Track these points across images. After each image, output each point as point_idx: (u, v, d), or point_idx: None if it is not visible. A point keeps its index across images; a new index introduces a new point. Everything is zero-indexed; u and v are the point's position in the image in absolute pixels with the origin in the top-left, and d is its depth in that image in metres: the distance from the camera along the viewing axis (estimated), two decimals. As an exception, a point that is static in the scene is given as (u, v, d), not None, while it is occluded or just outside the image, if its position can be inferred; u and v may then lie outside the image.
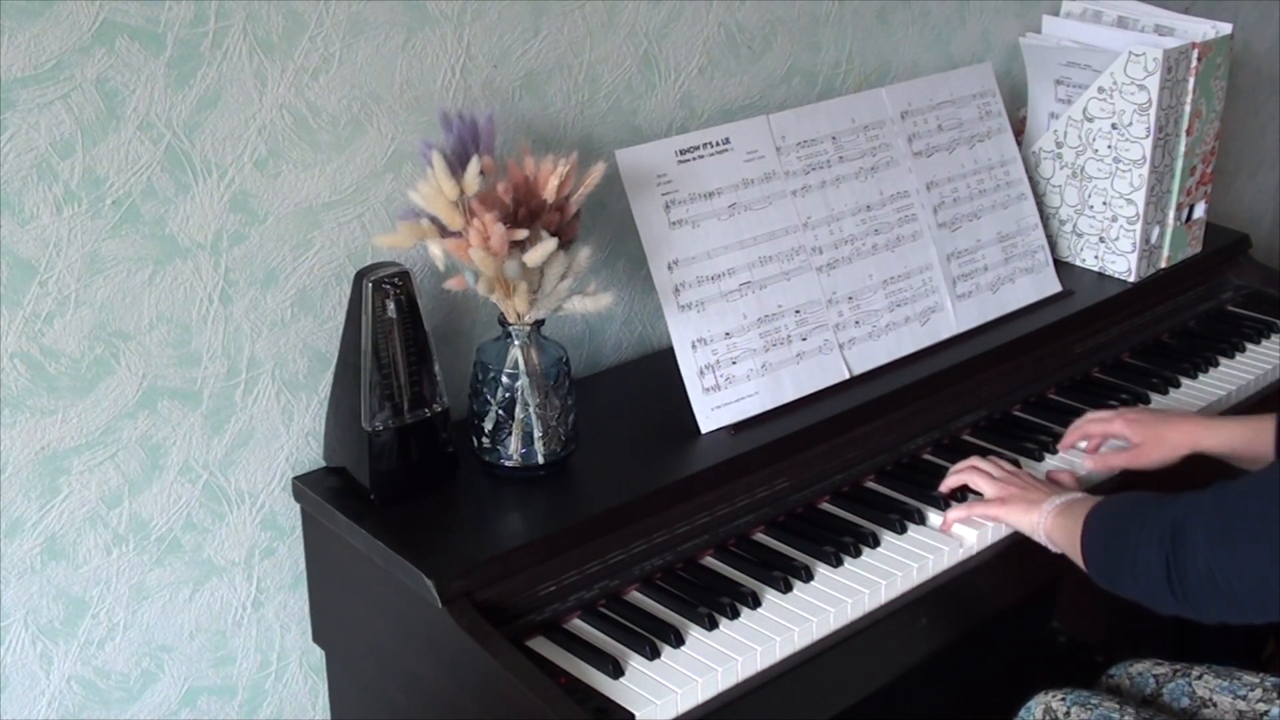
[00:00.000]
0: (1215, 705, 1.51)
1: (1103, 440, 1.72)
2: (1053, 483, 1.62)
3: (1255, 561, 1.24)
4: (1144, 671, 1.58)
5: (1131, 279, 2.03)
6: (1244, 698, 1.50)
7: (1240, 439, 1.60)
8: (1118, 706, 1.47)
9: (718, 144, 1.66)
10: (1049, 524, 1.50)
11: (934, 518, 1.59)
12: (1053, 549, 1.51)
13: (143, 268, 1.38)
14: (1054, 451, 1.73)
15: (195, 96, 1.35)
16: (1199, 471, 1.60)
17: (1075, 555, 1.45)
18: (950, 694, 2.15)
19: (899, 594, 1.49)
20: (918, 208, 1.84)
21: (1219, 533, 1.27)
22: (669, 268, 1.59)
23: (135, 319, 1.39)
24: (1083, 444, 1.73)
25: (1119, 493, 1.47)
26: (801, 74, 1.90)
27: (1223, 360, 2.01)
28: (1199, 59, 1.96)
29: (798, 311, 1.69)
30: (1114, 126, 1.96)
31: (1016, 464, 1.67)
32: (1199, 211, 2.11)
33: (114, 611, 1.47)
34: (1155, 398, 1.88)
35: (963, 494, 1.62)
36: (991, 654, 2.25)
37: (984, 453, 1.68)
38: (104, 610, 1.47)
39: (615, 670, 1.32)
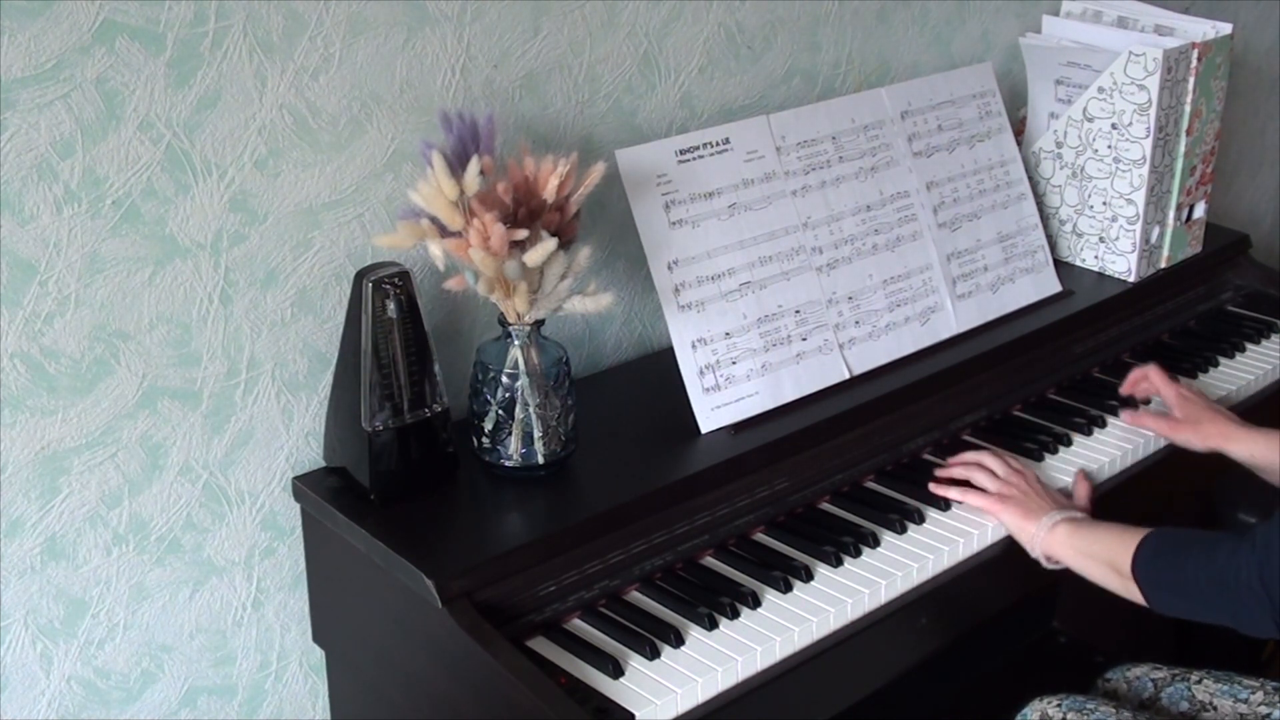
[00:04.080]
0: (1215, 709, 1.51)
1: (1148, 394, 1.81)
2: (1056, 495, 1.61)
3: None
4: (1142, 675, 1.58)
5: (1131, 279, 2.03)
6: (1244, 701, 1.50)
7: (1260, 448, 1.65)
8: (1114, 711, 1.46)
9: (718, 144, 1.66)
10: (1048, 539, 1.51)
11: (934, 517, 1.59)
12: (1046, 565, 1.52)
13: (143, 268, 1.38)
14: (1054, 451, 1.73)
15: (195, 96, 1.35)
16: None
17: (1100, 576, 1.47)
18: (950, 694, 2.14)
19: (899, 594, 1.49)
20: (918, 208, 1.84)
21: None
22: (669, 268, 1.59)
23: (135, 319, 1.39)
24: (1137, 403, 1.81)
25: (1154, 527, 1.46)
26: (801, 74, 1.90)
27: (1223, 360, 2.01)
28: (1199, 59, 1.95)
29: (798, 311, 1.69)
30: (1114, 126, 1.96)
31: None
32: (1199, 211, 2.11)
33: (114, 611, 1.47)
34: (1155, 398, 1.88)
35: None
36: (991, 654, 2.25)
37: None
38: (104, 610, 1.47)
39: (615, 670, 1.32)
